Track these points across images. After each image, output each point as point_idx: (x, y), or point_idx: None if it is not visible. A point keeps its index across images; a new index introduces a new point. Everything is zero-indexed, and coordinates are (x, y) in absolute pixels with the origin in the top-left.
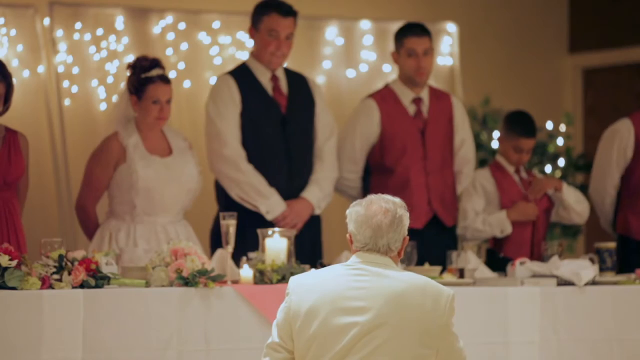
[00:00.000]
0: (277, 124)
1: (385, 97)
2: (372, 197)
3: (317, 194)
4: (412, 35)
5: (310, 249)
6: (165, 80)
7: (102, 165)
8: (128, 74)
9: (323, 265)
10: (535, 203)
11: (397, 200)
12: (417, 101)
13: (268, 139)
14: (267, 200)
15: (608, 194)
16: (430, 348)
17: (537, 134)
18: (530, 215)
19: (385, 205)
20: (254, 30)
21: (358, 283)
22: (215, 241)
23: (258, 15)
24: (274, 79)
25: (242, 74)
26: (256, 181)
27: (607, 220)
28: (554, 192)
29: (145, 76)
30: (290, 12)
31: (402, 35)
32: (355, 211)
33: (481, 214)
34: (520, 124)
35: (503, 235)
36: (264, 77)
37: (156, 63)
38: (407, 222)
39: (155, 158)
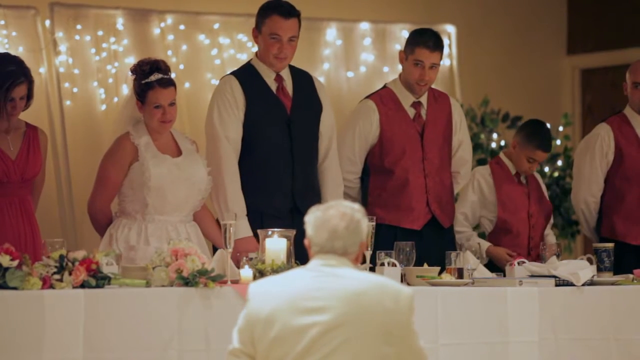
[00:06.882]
0: (282, 124)
1: (384, 98)
2: (330, 203)
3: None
4: (424, 48)
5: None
6: (164, 84)
7: (116, 164)
8: (129, 75)
9: None
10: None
11: (356, 205)
12: (417, 104)
13: (273, 139)
14: (232, 220)
15: (594, 200)
16: (391, 347)
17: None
18: (502, 263)
19: (343, 210)
20: (257, 32)
21: (316, 284)
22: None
23: (260, 18)
24: (278, 78)
25: (246, 74)
26: (232, 195)
27: (592, 226)
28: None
29: (144, 82)
30: (291, 13)
31: (415, 42)
32: (314, 216)
33: (470, 218)
34: (539, 136)
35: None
36: (268, 77)
37: (156, 66)
38: (364, 228)
39: (166, 157)
